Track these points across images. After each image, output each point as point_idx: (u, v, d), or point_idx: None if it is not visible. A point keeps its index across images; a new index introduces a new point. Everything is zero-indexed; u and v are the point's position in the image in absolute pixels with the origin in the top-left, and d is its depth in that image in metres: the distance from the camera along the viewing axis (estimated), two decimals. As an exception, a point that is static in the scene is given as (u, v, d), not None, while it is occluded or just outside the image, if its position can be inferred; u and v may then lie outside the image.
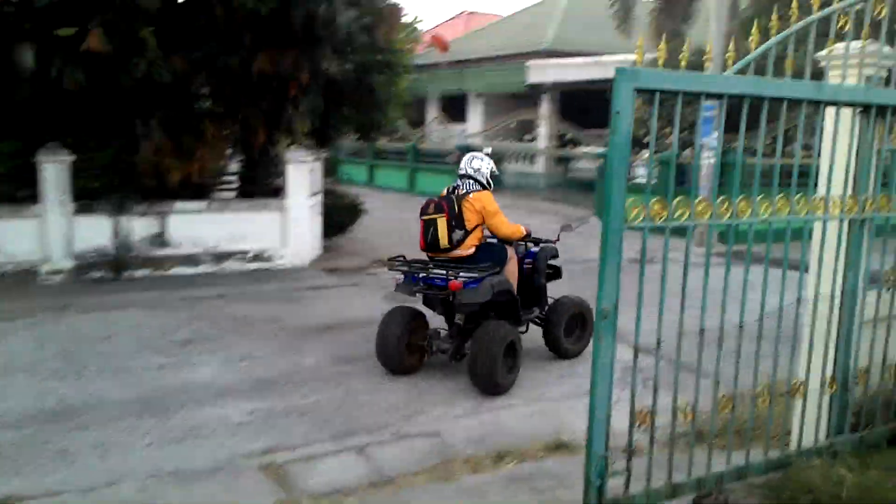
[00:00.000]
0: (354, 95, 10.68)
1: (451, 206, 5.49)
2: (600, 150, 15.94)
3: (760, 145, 3.42)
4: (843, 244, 3.65)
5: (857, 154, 3.61)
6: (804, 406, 3.68)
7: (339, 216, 11.56)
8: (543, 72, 20.40)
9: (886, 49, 3.72)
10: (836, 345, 3.71)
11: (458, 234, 5.48)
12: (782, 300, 3.35)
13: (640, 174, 15.32)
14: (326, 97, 10.28)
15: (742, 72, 3.21)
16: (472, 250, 5.55)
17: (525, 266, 6.02)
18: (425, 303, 5.96)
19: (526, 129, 20.92)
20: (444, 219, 5.47)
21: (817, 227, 3.68)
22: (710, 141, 12.45)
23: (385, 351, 5.64)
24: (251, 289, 8.78)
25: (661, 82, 2.95)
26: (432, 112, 25.91)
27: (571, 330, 6.19)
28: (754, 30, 3.27)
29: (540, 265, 6.06)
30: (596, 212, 15.36)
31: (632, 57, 15.62)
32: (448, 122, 23.16)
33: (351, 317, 7.55)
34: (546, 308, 6.15)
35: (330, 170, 13.90)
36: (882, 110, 3.55)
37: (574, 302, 6.19)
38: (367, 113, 11.26)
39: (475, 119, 23.84)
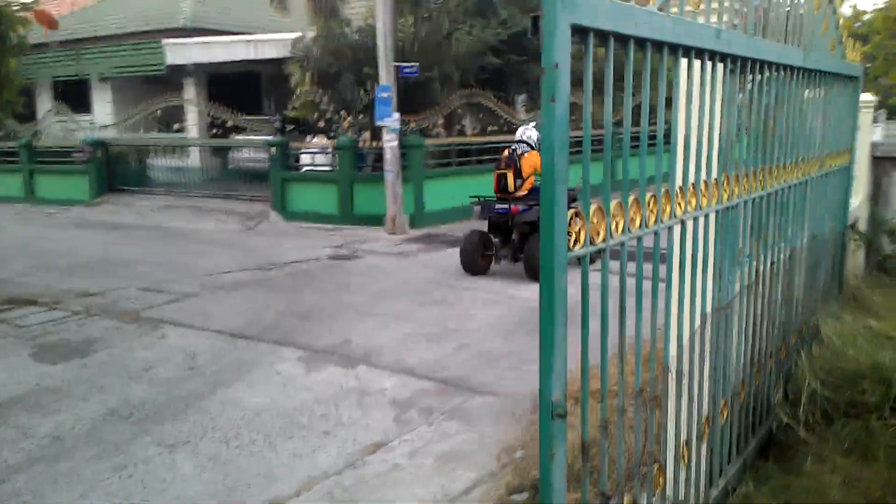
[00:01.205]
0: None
1: (514, 163, 8.39)
2: (269, 137, 14.38)
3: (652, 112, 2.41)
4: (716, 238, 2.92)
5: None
6: (712, 444, 2.91)
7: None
8: (185, 51, 17.97)
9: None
10: (716, 364, 3.00)
11: (518, 182, 8.36)
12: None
13: (310, 163, 14.21)
14: None
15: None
16: (526, 192, 8.40)
17: None
18: (490, 229, 8.68)
19: (173, 118, 18.30)
20: (511, 172, 8.33)
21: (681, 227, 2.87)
22: (391, 123, 11.78)
23: (466, 259, 8.53)
24: None
25: (611, 17, 1.79)
26: (44, 102, 21.48)
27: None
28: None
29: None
30: (273, 205, 13.84)
31: (289, 35, 14.35)
32: (69, 112, 19.28)
33: (-14, 398, 5.13)
34: None
35: None
36: (753, 66, 2.86)
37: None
38: (-33, 102, 8.25)
39: (103, 108, 20.26)
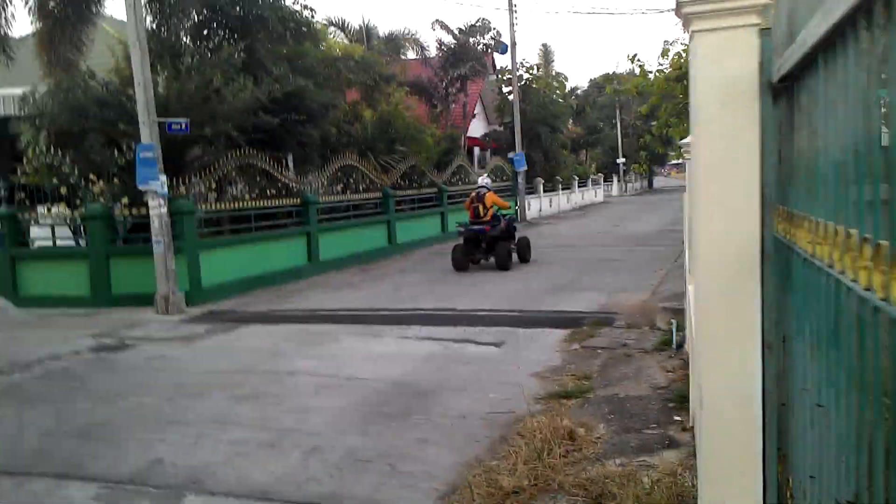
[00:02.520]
0: None
1: (482, 199, 13.36)
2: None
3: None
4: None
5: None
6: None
7: None
8: None
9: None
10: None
11: (485, 210, 13.29)
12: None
13: (44, 236, 11.88)
14: None
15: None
16: (489, 217, 13.29)
17: (506, 223, 13.56)
18: (465, 243, 13.47)
19: None
20: (482, 204, 13.32)
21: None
22: (157, 187, 10.15)
23: (457, 263, 13.27)
24: None
25: None
26: None
27: (526, 250, 13.99)
28: None
29: (512, 224, 13.77)
30: (0, 289, 11.18)
31: (13, 90, 12.03)
32: None
33: None
34: (516, 241, 13.88)
35: None
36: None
37: (525, 238, 14.30)
38: None
39: None
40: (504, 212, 13.66)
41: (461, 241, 13.54)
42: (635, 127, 53.47)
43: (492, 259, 13.38)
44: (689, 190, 2.54)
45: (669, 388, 5.56)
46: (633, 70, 9.29)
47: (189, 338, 8.74)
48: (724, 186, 2.25)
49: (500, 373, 6.60)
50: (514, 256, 13.68)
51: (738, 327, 2.30)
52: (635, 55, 9.09)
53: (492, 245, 13.31)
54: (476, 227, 13.22)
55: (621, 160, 49.19)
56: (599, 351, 7.14)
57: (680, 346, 6.58)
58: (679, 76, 8.45)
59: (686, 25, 2.30)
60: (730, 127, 2.22)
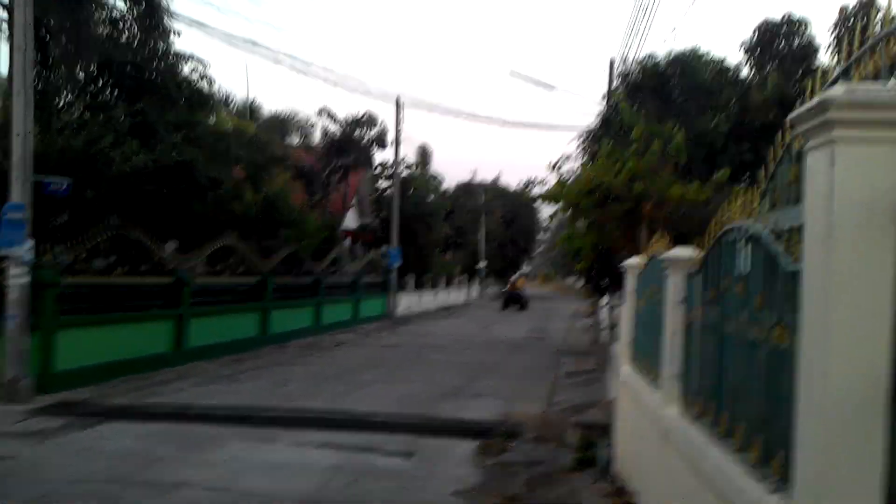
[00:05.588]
0: None
1: (517, 280, 39.51)
2: None
3: None
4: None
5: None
6: None
7: None
8: None
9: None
10: None
11: (516, 286, 37.75)
12: None
13: None
14: None
15: None
16: (519, 288, 37.72)
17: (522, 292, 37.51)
18: (506, 299, 36.62)
19: None
20: (517, 282, 38.47)
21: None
22: (21, 252, 8.97)
23: (503, 305, 35.82)
24: None
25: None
26: None
27: (527, 304, 36.17)
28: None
29: (524, 292, 37.72)
30: None
31: None
32: None
33: None
34: (526, 299, 37.00)
35: None
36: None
37: (528, 299, 37.12)
38: None
39: None
40: (521, 289, 35.60)
41: (504, 297, 35.53)
42: (496, 233, 55.57)
43: (517, 306, 33.75)
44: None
45: (614, 517, 5.27)
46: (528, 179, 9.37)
47: (41, 434, 7.47)
48: (855, 312, 2.06)
49: (419, 490, 6.05)
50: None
51: (857, 477, 2.07)
52: (556, 163, 9.33)
53: (517, 300, 33.84)
54: (514, 292, 34.40)
55: (483, 263, 50.37)
56: (517, 468, 6.78)
57: (606, 467, 6.36)
58: (590, 189, 8.66)
59: (817, 132, 2.15)
60: (869, 248, 2.05)
